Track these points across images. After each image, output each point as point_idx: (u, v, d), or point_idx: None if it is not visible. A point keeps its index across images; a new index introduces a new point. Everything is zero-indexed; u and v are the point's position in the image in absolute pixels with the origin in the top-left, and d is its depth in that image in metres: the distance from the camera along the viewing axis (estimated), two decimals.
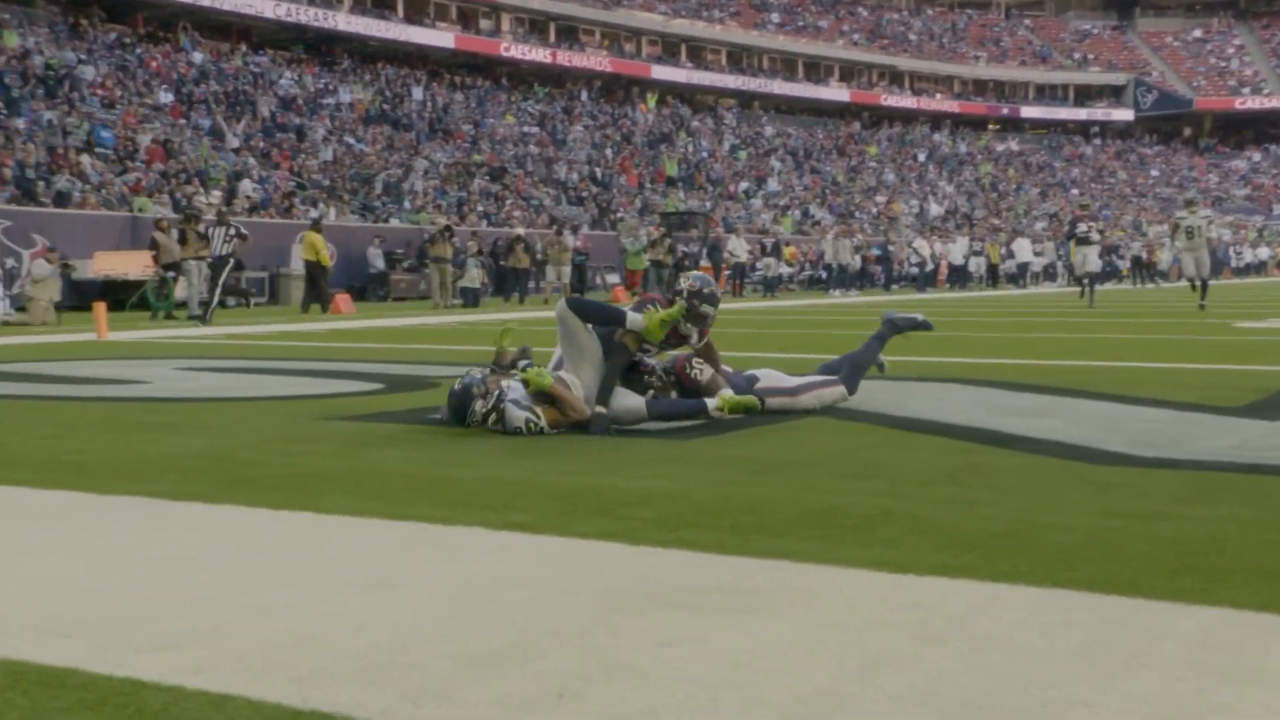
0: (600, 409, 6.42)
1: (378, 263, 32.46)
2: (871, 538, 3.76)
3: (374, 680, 2.51)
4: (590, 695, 2.42)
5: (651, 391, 6.77)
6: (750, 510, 4.23)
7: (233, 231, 21.42)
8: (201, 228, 22.78)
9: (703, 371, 6.89)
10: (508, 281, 30.94)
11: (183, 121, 36.24)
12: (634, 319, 6.58)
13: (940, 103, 74.14)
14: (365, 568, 3.46)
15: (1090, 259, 25.04)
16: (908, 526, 3.92)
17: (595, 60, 59.11)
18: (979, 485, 4.68)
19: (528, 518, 4.13)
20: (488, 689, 2.46)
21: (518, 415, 6.23)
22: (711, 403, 6.66)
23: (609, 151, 53.77)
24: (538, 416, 6.24)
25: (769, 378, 7.14)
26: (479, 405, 6.32)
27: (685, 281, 6.91)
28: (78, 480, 4.96)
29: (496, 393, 6.31)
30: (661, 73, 62.05)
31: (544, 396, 6.32)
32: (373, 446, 5.87)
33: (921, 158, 70.32)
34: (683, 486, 4.73)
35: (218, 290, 21.59)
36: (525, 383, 6.32)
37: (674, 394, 6.79)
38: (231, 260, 21.80)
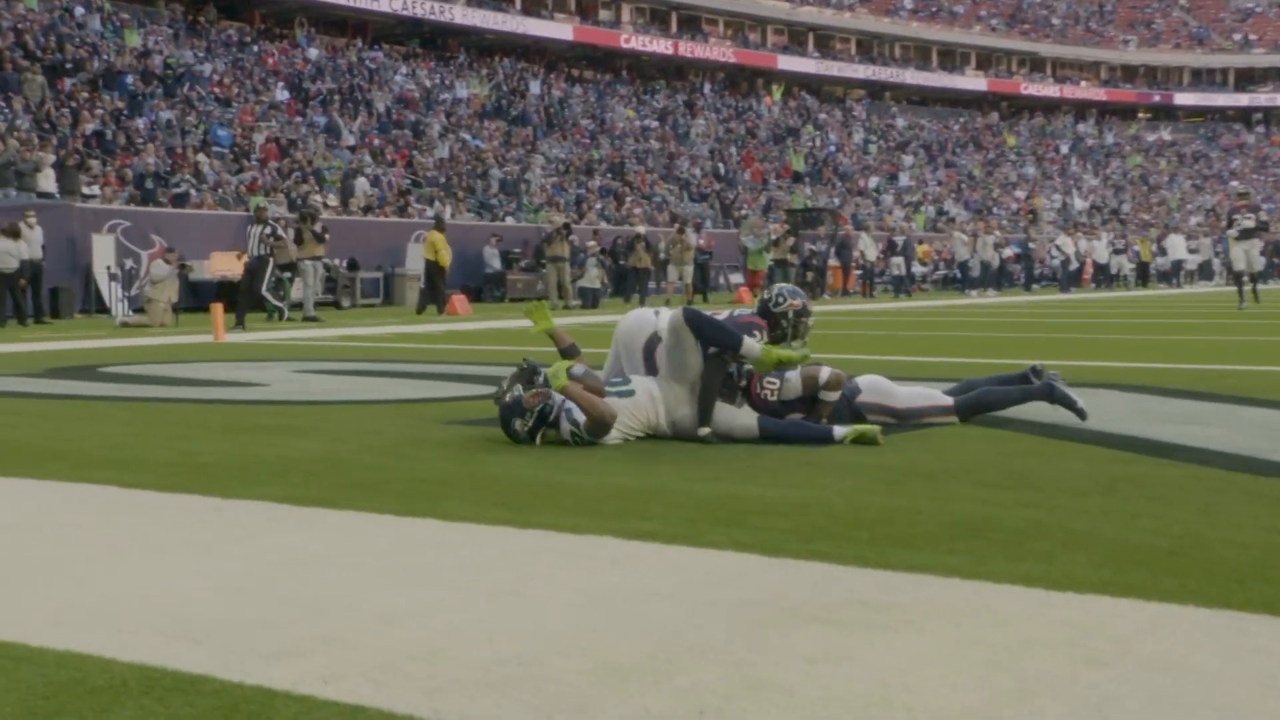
0: (705, 430, 6.32)
1: (494, 262, 32.84)
2: (1021, 552, 3.69)
3: (507, 693, 2.53)
4: (733, 713, 2.41)
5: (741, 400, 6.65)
6: (888, 521, 4.19)
7: (269, 231, 20.29)
8: (318, 227, 23.25)
9: (773, 393, 6.66)
10: (628, 281, 31.07)
11: (298, 119, 37.13)
12: (750, 348, 6.32)
13: (1085, 91, 72.59)
14: (492, 576, 3.49)
15: (1252, 255, 23.64)
16: (1061, 540, 3.84)
17: (719, 51, 59.09)
18: (1138, 497, 4.56)
19: (657, 526, 4.13)
20: (626, 704, 2.46)
21: (565, 428, 6.21)
22: (840, 431, 6.44)
23: (732, 146, 53.70)
24: (578, 426, 6.16)
25: (873, 388, 6.86)
26: (519, 425, 6.22)
27: (788, 300, 6.81)
28: (200, 483, 5.10)
29: (538, 407, 6.21)
30: (788, 63, 61.78)
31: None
32: (494, 452, 5.93)
33: (1064, 149, 68.93)
34: (816, 495, 4.70)
35: (280, 289, 21.25)
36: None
37: (740, 403, 6.63)
38: (271, 262, 20.67)
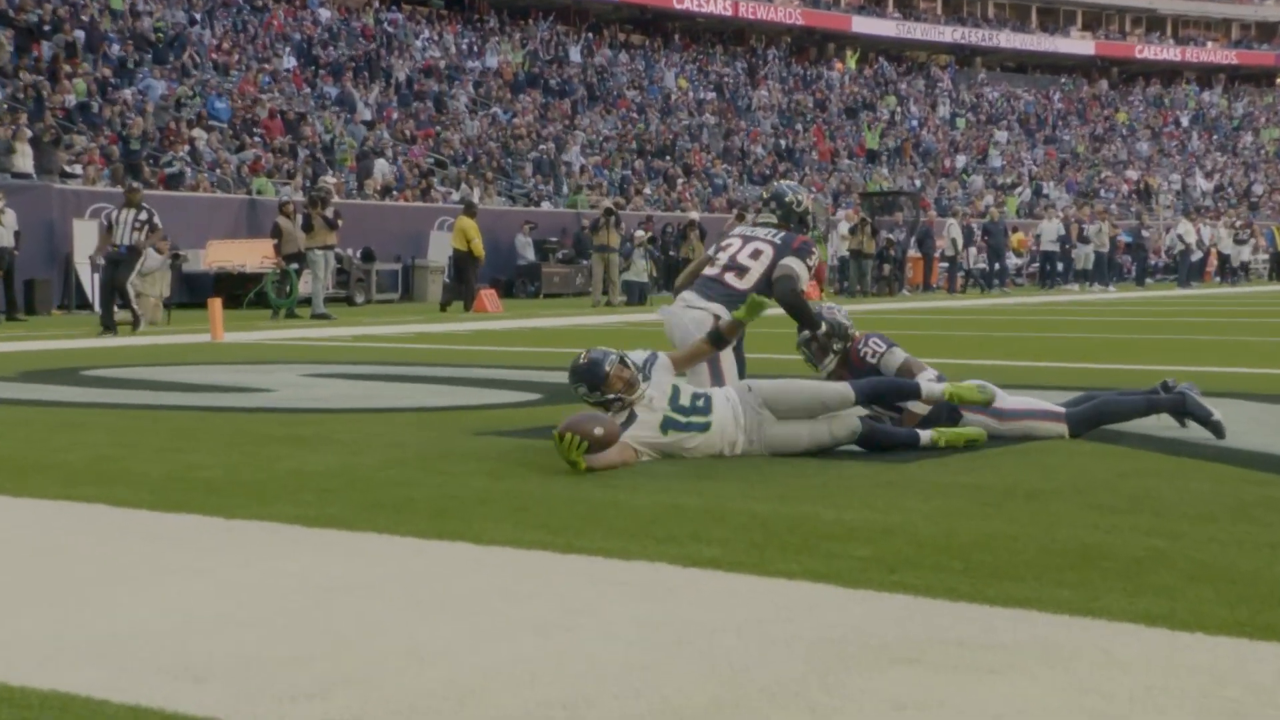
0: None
1: (528, 253, 32.95)
2: (1141, 585, 3.68)
3: None
4: None
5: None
6: (985, 548, 4.18)
7: (144, 217, 18.92)
8: (329, 213, 23.41)
9: (876, 353, 6.94)
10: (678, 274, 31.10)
11: (307, 90, 37.43)
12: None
13: (1212, 53, 71.86)
14: (534, 607, 3.51)
15: None
16: (1187, 573, 3.82)
17: (784, 12, 59.03)
18: (1277, 524, 4.52)
19: (719, 552, 4.15)
20: None
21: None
22: (925, 435, 6.52)
23: (799, 121, 53.61)
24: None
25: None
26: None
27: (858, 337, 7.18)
28: (202, 501, 5.16)
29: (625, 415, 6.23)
30: (863, 25, 61.63)
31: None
32: (533, 466, 5.96)
33: (1185, 122, 68.30)
34: (901, 519, 4.70)
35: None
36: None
37: (842, 373, 6.91)
38: (144, 255, 19.23)
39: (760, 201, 7.66)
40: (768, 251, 7.14)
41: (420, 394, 9.67)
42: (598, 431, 5.82)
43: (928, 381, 6.68)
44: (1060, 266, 36.97)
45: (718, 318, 6.89)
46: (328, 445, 6.76)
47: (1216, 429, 6.59)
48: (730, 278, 7.10)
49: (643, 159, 43.42)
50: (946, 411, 6.79)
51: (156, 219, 19.29)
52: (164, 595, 3.72)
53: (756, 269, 7.09)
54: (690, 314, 7.10)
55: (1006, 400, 6.89)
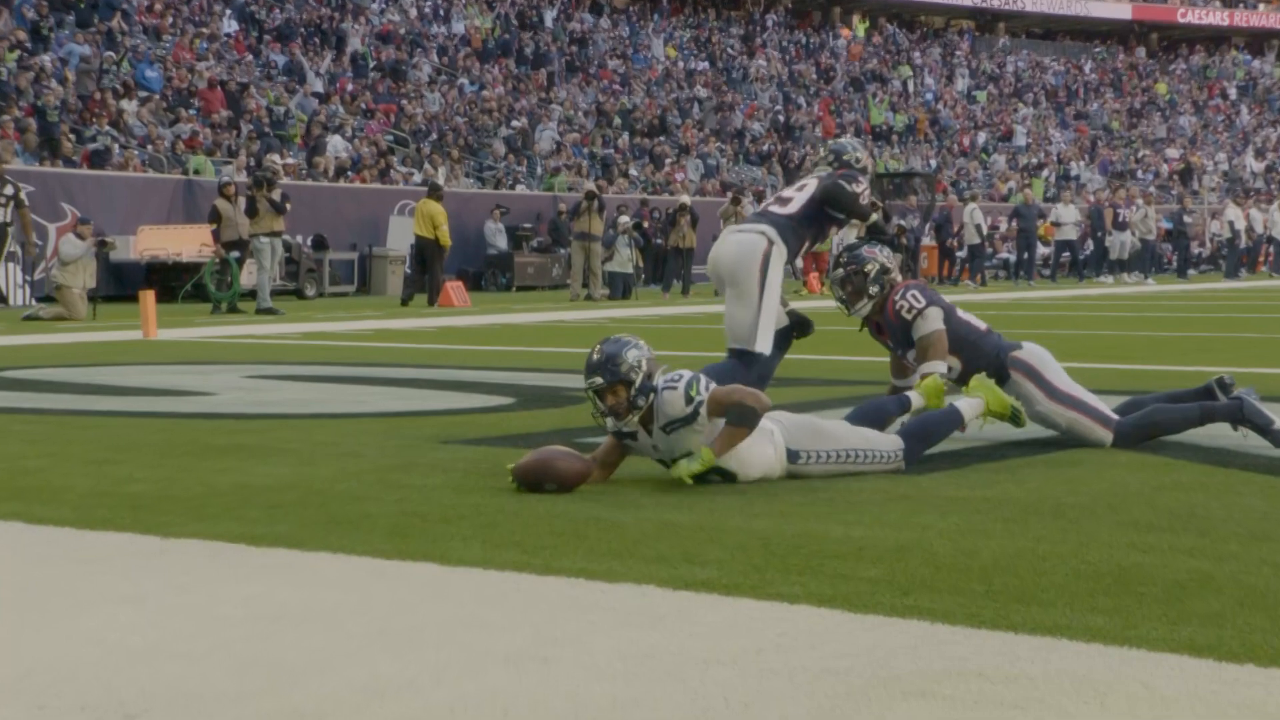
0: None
1: (498, 241, 32.97)
2: (1184, 612, 3.69)
3: None
4: None
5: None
6: (1009, 570, 4.20)
7: (9, 192, 19.30)
8: (277, 195, 23.37)
9: (912, 309, 7.06)
10: (668, 265, 31.12)
11: (250, 58, 37.37)
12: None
13: (1264, 17, 72.09)
14: (507, 636, 3.51)
15: None
16: (1236, 598, 3.84)
17: None
18: None
19: (714, 574, 4.16)
20: None
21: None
22: (970, 409, 6.51)
23: (801, 94, 53.67)
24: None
25: (1035, 354, 7.01)
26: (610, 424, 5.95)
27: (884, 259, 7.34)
28: (134, 519, 5.15)
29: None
30: None
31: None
32: (505, 478, 5.95)
33: (1233, 94, 68.50)
34: (916, 536, 4.71)
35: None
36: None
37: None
38: (10, 234, 19.49)
39: (818, 155, 8.01)
40: (812, 183, 7.71)
41: (379, 398, 9.67)
42: (548, 487, 5.70)
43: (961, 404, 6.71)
44: (1081, 256, 37.02)
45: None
46: (276, 456, 6.76)
47: (1277, 438, 6.59)
48: (775, 206, 7.72)
49: (626, 137, 43.42)
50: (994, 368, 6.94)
51: (22, 194, 18.97)
52: (90, 624, 3.70)
53: (800, 196, 7.65)
54: (735, 236, 7.68)
55: (1064, 379, 6.95)
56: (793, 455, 6.00)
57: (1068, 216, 36.87)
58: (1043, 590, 3.94)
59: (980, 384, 6.69)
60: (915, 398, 6.76)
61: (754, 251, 7.46)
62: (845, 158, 7.87)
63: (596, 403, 5.94)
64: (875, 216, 7.80)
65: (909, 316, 7.06)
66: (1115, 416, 6.94)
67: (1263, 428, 6.64)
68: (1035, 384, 6.89)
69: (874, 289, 7.24)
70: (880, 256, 7.30)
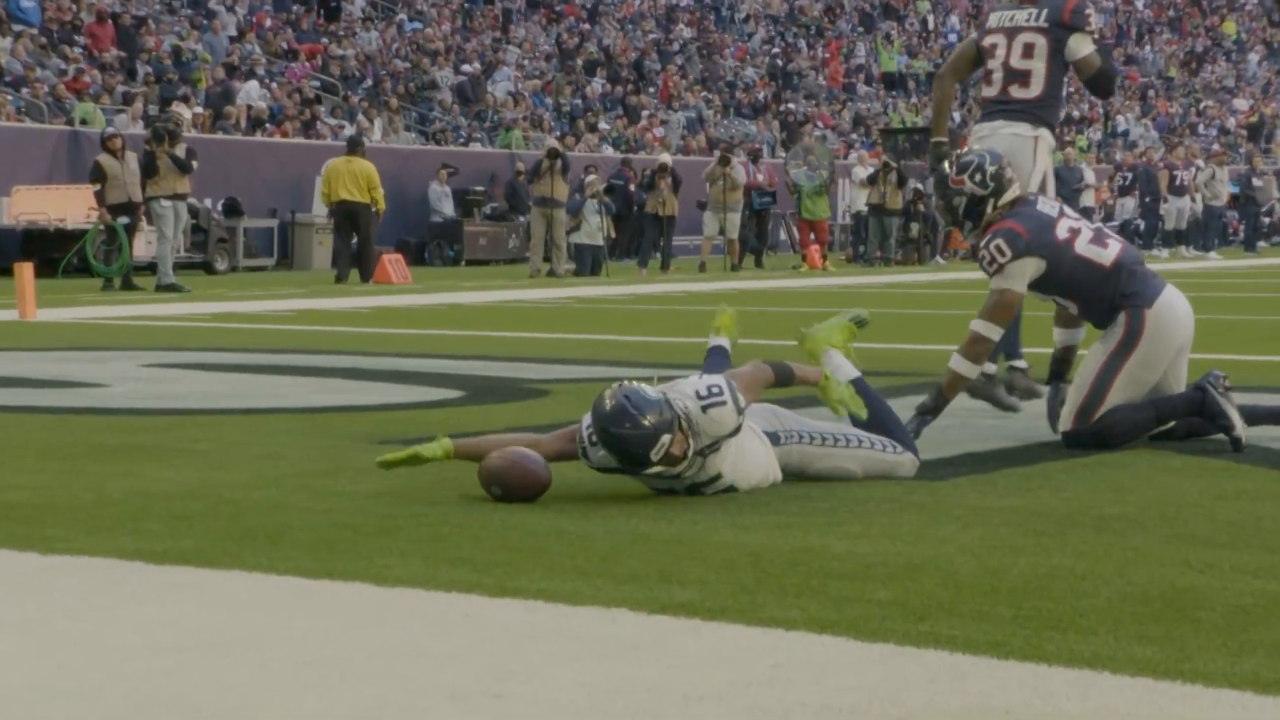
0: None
1: (444, 207, 32.89)
2: (1246, 641, 3.71)
3: None
4: None
5: None
6: (1040, 592, 4.21)
7: None
8: (180, 151, 23.20)
9: (995, 262, 6.97)
10: (645, 235, 31.10)
11: None
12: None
13: None
14: (453, 669, 3.51)
15: None
16: None
17: None
18: None
19: (695, 595, 4.16)
20: None
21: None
22: (841, 368, 6.41)
23: (801, 36, 53.65)
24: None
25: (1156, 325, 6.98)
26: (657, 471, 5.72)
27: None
28: (10, 532, 5.11)
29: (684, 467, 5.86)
30: None
31: None
32: (451, 484, 5.95)
33: None
34: (933, 552, 4.72)
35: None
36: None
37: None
38: None
39: None
40: (1040, 41, 7.67)
41: (303, 391, 9.65)
42: (495, 491, 5.69)
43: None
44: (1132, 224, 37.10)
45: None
46: (180, 458, 6.73)
47: (1236, 442, 6.68)
48: (1015, 90, 7.75)
49: (596, 84, 43.35)
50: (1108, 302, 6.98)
51: None
52: None
53: (1038, 69, 7.69)
54: (1005, 133, 7.74)
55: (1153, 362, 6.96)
56: (772, 437, 6.01)
57: (1079, 180, 36.65)
58: (1082, 616, 3.94)
59: (811, 341, 6.54)
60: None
61: None
62: None
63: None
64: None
65: (989, 270, 7.03)
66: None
67: (1221, 423, 6.72)
68: (1119, 351, 6.90)
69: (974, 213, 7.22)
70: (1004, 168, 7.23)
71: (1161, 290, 7.00)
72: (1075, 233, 7.03)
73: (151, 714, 3.21)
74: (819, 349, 6.49)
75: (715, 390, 5.67)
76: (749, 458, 5.88)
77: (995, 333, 6.99)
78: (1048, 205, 7.18)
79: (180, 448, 7.04)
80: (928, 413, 7.00)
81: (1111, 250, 7.03)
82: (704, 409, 5.63)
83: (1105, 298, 6.99)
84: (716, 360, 6.56)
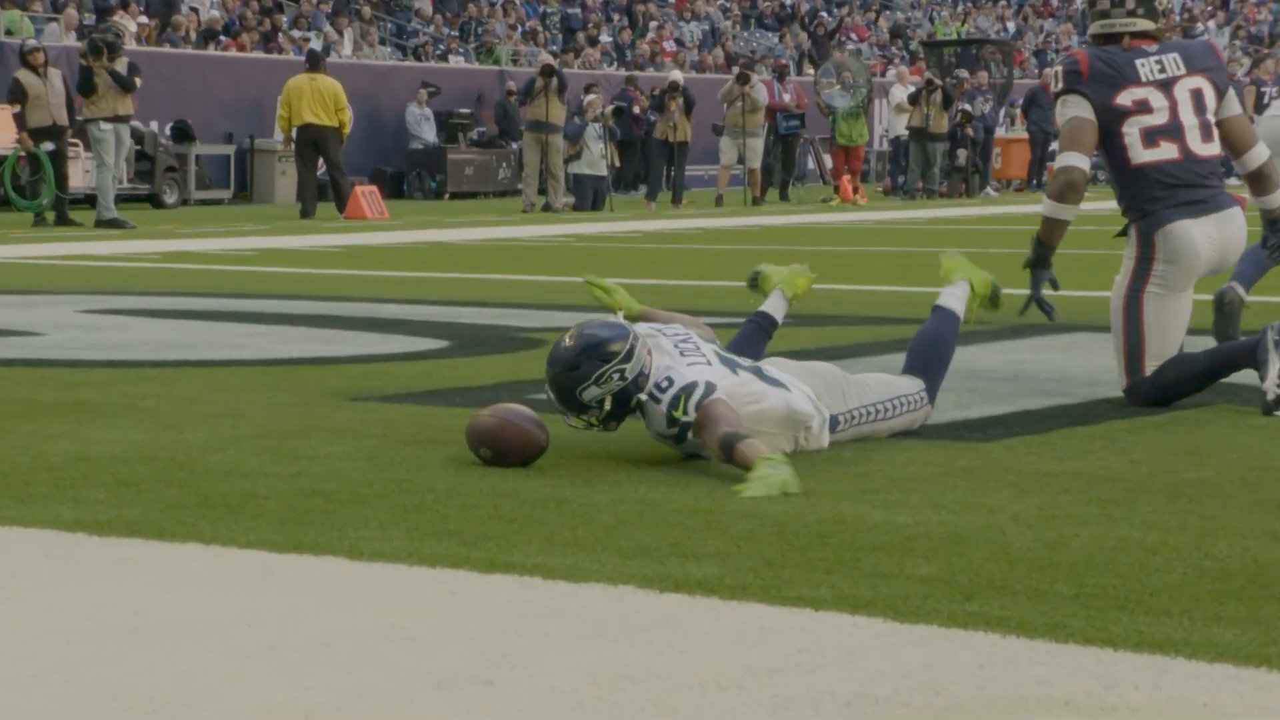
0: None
1: (425, 132, 32.82)
2: None
3: None
4: None
5: None
6: (1105, 567, 4.22)
7: None
8: (122, 66, 23.07)
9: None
10: (652, 163, 31.04)
11: None
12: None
13: None
14: (438, 653, 3.52)
15: None
16: None
17: None
18: None
19: (712, 571, 4.17)
20: None
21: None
22: (957, 300, 6.67)
23: None
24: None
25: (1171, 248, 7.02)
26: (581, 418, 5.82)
27: None
28: None
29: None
30: None
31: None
32: (436, 446, 5.97)
33: None
34: (982, 523, 4.73)
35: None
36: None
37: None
38: None
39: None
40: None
41: (266, 340, 9.66)
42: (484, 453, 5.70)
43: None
44: None
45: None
46: (126, 416, 6.74)
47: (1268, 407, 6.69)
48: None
49: None
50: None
51: None
52: None
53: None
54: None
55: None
56: (833, 422, 6.02)
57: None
58: (1152, 594, 3.95)
59: (954, 262, 6.80)
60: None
61: None
62: None
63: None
64: None
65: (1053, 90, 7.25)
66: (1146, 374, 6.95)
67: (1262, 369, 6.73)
68: (1135, 281, 6.96)
69: None
70: None
71: (1179, 218, 6.95)
72: (1139, 109, 6.98)
73: (97, 705, 3.21)
74: (953, 275, 6.78)
75: (664, 384, 5.67)
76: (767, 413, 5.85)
77: (1075, 160, 7.03)
78: (1151, 67, 7.08)
79: (126, 404, 7.06)
80: (1038, 266, 7.19)
81: (1150, 153, 6.97)
82: (647, 395, 5.67)
83: (1123, 197, 7.13)
84: (752, 336, 6.73)
